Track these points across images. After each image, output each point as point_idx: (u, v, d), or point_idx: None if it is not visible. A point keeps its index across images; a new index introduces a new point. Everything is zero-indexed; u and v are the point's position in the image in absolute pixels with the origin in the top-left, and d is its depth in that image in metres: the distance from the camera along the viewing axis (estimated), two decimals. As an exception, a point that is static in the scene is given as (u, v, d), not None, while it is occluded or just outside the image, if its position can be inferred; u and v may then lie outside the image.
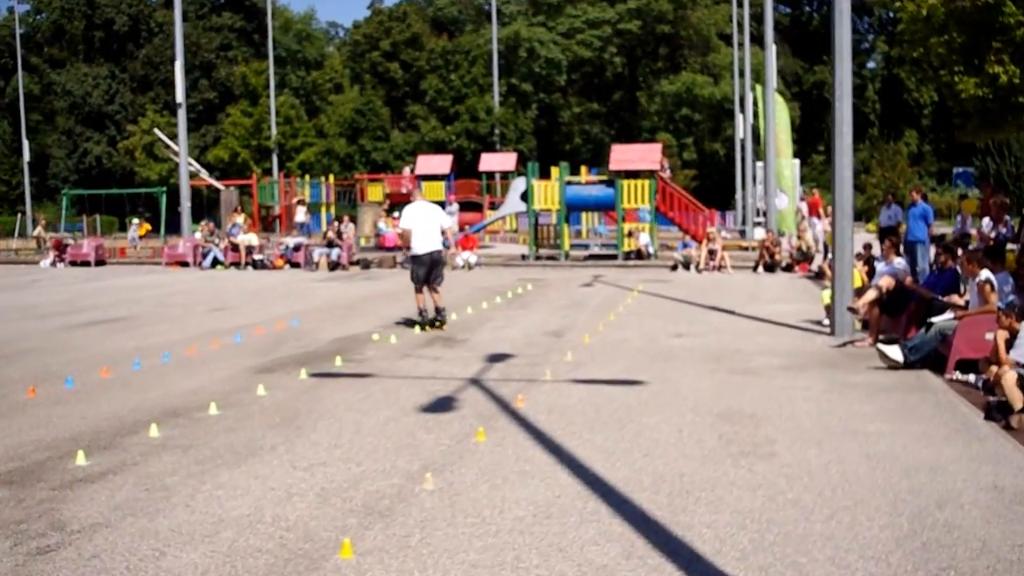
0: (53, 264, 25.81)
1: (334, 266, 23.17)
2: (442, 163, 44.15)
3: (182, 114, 26.10)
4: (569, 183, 24.74)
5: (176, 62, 25.49)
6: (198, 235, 25.55)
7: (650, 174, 23.90)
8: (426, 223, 11.74)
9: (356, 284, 19.07)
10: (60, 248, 26.12)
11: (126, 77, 61.52)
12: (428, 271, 11.75)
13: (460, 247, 23.51)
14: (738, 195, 37.35)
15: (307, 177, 47.06)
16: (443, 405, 7.45)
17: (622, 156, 24.26)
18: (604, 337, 10.93)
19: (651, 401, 7.52)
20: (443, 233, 11.86)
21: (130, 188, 50.66)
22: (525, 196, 24.77)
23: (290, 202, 34.69)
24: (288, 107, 53.49)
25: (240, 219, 28.49)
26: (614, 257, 24.04)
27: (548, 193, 24.46)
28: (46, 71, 68.39)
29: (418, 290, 11.90)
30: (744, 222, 34.56)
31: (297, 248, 24.24)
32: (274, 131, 50.86)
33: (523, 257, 24.77)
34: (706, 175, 56.62)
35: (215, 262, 24.38)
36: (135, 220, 38.67)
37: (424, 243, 11.69)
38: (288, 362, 9.54)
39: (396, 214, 37.92)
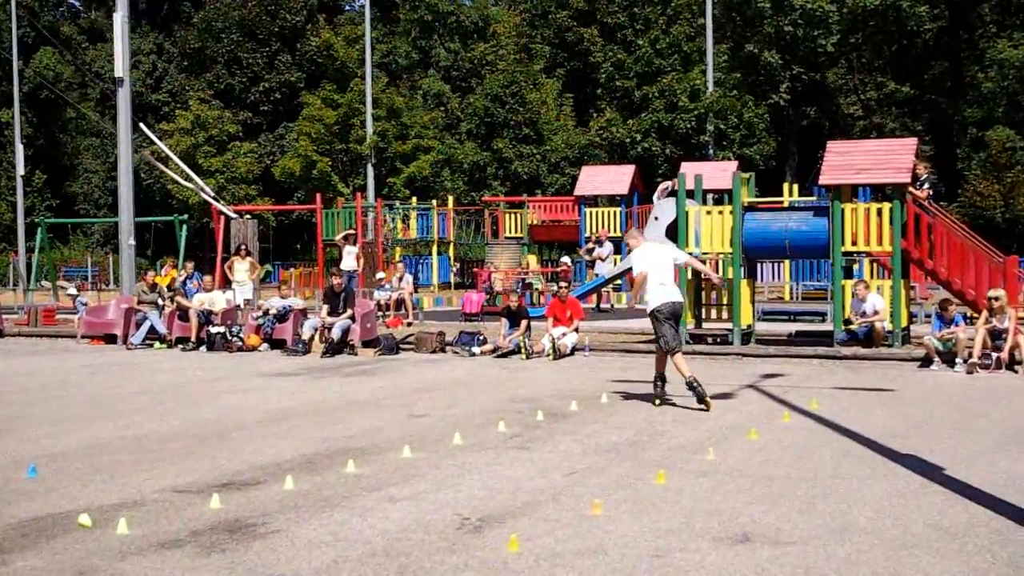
0: None
1: (336, 347, 20.59)
2: (617, 177, 41.42)
3: (123, 95, 24.46)
4: (751, 209, 21.05)
5: (116, 14, 23.83)
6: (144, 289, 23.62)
7: (894, 191, 19.92)
8: (662, 264, 14.02)
9: (307, 387, 17.12)
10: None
11: (176, 53, 62.49)
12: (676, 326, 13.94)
13: (555, 318, 20.61)
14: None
15: (414, 200, 45.49)
16: None
17: (841, 160, 20.36)
18: (570, 536, 7.73)
19: None
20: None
21: (161, 214, 50.54)
22: (675, 230, 21.31)
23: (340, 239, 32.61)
24: (392, 95, 52.04)
25: (243, 266, 26.67)
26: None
27: (714, 226, 20.88)
28: (82, 45, 70.96)
29: (673, 352, 13.78)
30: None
31: (283, 317, 21.84)
32: (369, 130, 49.51)
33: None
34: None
35: (153, 336, 22.56)
36: (168, 263, 37.32)
37: (665, 291, 13.80)
38: None
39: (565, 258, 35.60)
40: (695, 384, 13.38)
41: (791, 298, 34.32)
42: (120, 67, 24.78)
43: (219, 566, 7.09)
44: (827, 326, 22.80)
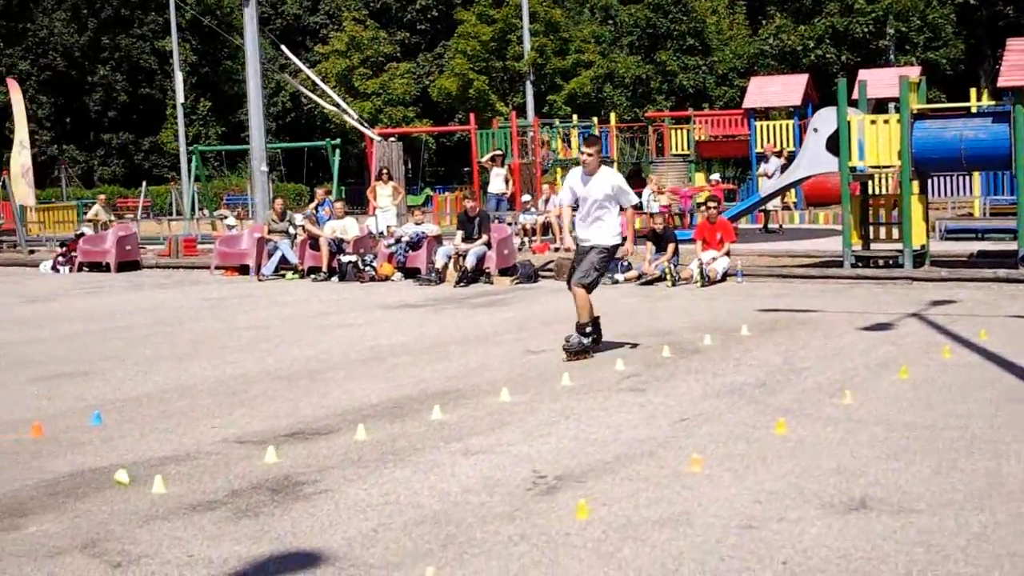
0: (55, 268, 25.04)
1: (470, 276, 19.94)
2: (789, 88, 39.77)
3: (249, 14, 23.96)
4: (920, 116, 19.55)
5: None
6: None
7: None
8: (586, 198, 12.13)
9: (426, 320, 16.35)
10: (70, 243, 25.38)
11: (332, -30, 62.46)
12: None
13: (704, 241, 19.62)
14: None
15: (575, 118, 44.54)
16: None
17: (1023, 58, 18.68)
18: (654, 500, 6.85)
19: None
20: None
21: (322, 140, 50.55)
22: (836, 141, 19.97)
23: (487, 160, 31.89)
24: (549, 7, 50.82)
25: (385, 191, 26.25)
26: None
27: (879, 136, 19.47)
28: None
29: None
30: None
31: (416, 244, 21.21)
32: (527, 46, 48.50)
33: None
34: None
35: (285, 266, 22.55)
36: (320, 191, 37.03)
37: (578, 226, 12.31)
38: None
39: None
40: (587, 329, 11.93)
41: (981, 214, 32.34)
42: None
43: (244, 535, 6.42)
44: (1016, 245, 21.20)
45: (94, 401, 10.39)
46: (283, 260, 22.45)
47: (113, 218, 32.73)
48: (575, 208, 12.22)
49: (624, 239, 12.51)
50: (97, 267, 25.55)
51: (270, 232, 22.77)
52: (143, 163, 71.17)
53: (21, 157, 43.18)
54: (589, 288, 11.96)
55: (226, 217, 38.52)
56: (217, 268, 23.66)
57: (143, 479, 7.54)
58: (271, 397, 10.39)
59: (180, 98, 52.91)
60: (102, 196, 34.66)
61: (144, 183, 49.32)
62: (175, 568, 5.88)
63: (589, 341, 11.94)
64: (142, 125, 70.50)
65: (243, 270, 23.37)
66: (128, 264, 25.45)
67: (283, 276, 22.51)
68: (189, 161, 46.92)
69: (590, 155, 12.06)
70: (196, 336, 14.91)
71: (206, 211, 45.51)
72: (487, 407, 9.62)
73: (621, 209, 12.20)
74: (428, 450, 8.20)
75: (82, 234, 26.31)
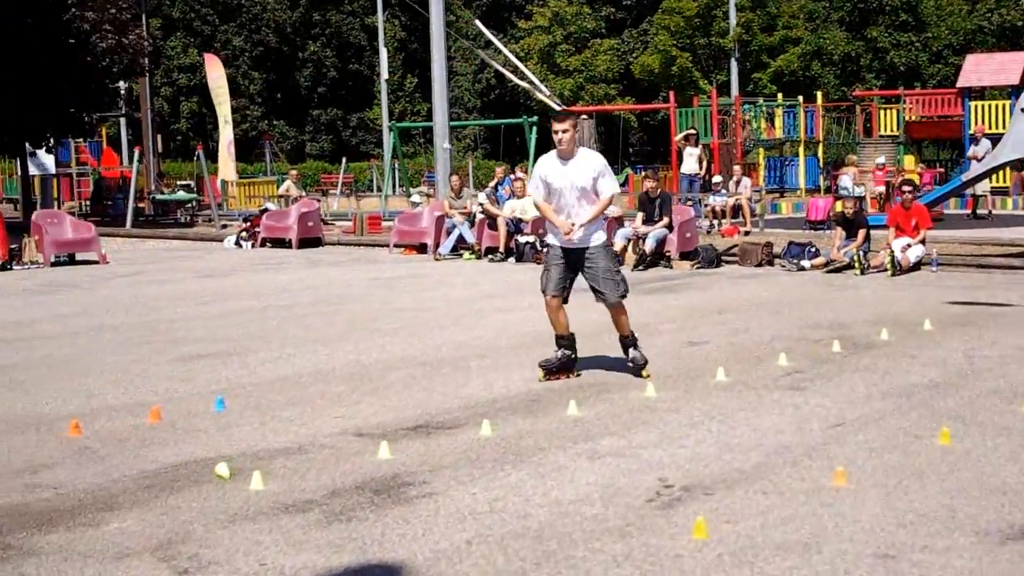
0: (238, 244, 25.32)
1: (650, 260, 19.32)
2: (1007, 66, 38.28)
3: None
4: None
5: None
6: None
7: None
8: (563, 189, 9.98)
9: (592, 306, 15.20)
10: (254, 219, 25.63)
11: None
12: (565, 272, 10.15)
13: (897, 228, 18.64)
14: None
15: (779, 96, 43.43)
16: None
17: None
18: (786, 519, 6.15)
19: None
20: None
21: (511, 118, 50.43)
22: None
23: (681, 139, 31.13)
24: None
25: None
26: None
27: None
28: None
29: (548, 302, 10.28)
30: None
31: (598, 225, 20.66)
32: (732, 21, 47.43)
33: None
34: None
35: (463, 245, 22.43)
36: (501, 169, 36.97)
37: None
38: None
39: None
40: (566, 342, 10.25)
41: None
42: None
43: (328, 542, 5.97)
44: None
45: (226, 384, 10.17)
46: (461, 239, 22.16)
47: (304, 193, 32.99)
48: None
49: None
50: (280, 243, 25.76)
51: (450, 209, 22.54)
52: (351, 139, 72.28)
53: (224, 132, 44.10)
54: (624, 296, 10.25)
55: (412, 195, 38.61)
56: (396, 247, 23.57)
57: (245, 473, 7.17)
58: (407, 385, 9.99)
59: (384, 74, 53.40)
60: (294, 172, 35.04)
61: (344, 159, 49.72)
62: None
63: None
64: (350, 101, 71.56)
65: (422, 249, 23.22)
66: (310, 241, 25.59)
67: (460, 256, 22.29)
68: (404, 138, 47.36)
69: (565, 131, 9.80)
70: (353, 317, 14.69)
71: (405, 188, 45.70)
72: (628, 403, 9.04)
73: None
74: (552, 450, 7.66)
75: (266, 210, 26.59)
